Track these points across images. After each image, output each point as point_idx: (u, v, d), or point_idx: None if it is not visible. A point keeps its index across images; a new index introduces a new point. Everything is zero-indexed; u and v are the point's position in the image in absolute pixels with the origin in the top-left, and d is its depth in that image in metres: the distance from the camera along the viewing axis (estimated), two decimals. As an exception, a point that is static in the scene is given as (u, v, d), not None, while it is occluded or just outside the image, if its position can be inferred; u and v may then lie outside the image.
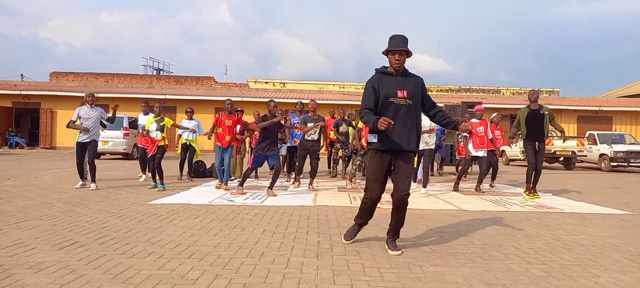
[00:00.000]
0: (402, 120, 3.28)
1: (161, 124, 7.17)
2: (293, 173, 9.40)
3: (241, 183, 6.53)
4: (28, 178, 8.29)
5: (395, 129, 3.24)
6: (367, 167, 3.53)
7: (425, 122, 6.71)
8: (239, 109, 8.93)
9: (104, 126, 7.08)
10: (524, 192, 6.82)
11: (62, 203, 5.32)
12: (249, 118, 9.56)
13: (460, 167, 8.21)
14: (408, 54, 3.33)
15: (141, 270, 2.79)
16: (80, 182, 6.87)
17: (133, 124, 14.49)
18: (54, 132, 21.69)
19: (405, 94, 3.28)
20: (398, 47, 3.27)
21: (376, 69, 3.45)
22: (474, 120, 7.59)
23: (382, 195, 3.48)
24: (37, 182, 7.59)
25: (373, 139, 3.35)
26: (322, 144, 7.79)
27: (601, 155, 14.64)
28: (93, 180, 6.74)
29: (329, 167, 10.38)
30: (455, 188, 7.45)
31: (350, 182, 8.04)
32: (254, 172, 7.01)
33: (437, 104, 3.55)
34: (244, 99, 21.51)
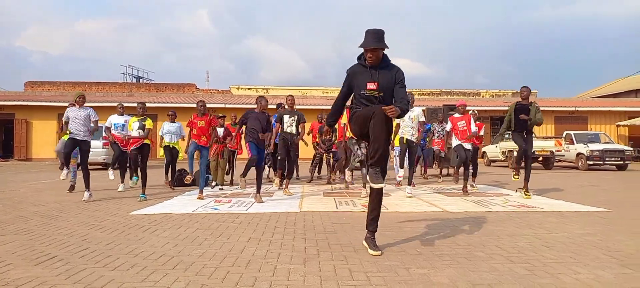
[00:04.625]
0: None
1: (143, 123, 7.18)
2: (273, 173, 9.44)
3: (244, 174, 6.17)
4: (3, 191, 8.02)
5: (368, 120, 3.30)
6: (358, 113, 3.43)
7: (409, 114, 6.81)
8: (220, 115, 8.89)
9: (92, 132, 6.69)
10: (522, 189, 6.83)
11: (39, 217, 5.17)
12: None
13: (454, 167, 8.21)
14: (382, 49, 3.32)
15: (124, 283, 2.73)
16: (66, 171, 6.50)
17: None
18: (29, 143, 21.08)
19: (374, 86, 3.33)
20: (369, 46, 3.29)
21: (357, 58, 3.51)
22: (456, 114, 7.72)
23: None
24: (12, 195, 7.35)
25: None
26: (303, 140, 7.86)
27: (578, 154, 15.05)
28: (87, 187, 6.48)
29: (311, 171, 10.37)
30: (465, 191, 7.37)
31: (348, 175, 8.12)
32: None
33: (405, 101, 3.38)
34: (227, 106, 21.35)
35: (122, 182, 7.99)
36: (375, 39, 3.28)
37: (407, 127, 6.97)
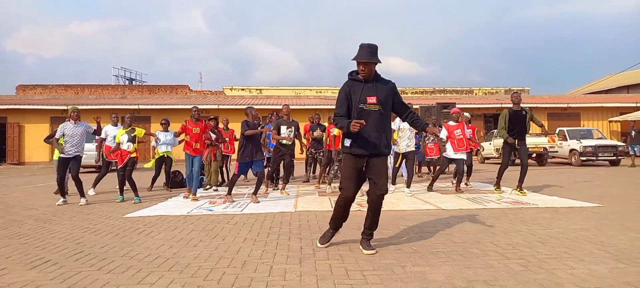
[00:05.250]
0: (373, 125, 3.37)
1: (132, 134, 7.00)
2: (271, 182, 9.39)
3: (229, 192, 6.50)
4: (-5, 196, 7.95)
5: (367, 134, 3.36)
6: (342, 167, 3.61)
7: (406, 125, 6.88)
8: (211, 117, 8.86)
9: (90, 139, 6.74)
10: (516, 188, 6.95)
11: (33, 221, 5.13)
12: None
13: (438, 168, 8.33)
14: (375, 63, 3.39)
15: (119, 286, 2.71)
16: (62, 199, 6.56)
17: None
18: (22, 147, 20.88)
19: (374, 100, 3.37)
20: (362, 59, 3.34)
21: (349, 74, 3.53)
22: (450, 123, 7.66)
23: (357, 196, 3.56)
24: (6, 200, 7.28)
25: (347, 143, 3.46)
26: (300, 148, 7.80)
27: (571, 150, 15.15)
28: (82, 194, 6.57)
29: (306, 171, 10.34)
30: (430, 188, 7.55)
31: (330, 185, 8.04)
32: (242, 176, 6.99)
33: (409, 106, 3.69)
34: (220, 107, 21.27)
35: (121, 193, 7.79)
36: (368, 53, 3.34)
37: (404, 139, 7.03)
